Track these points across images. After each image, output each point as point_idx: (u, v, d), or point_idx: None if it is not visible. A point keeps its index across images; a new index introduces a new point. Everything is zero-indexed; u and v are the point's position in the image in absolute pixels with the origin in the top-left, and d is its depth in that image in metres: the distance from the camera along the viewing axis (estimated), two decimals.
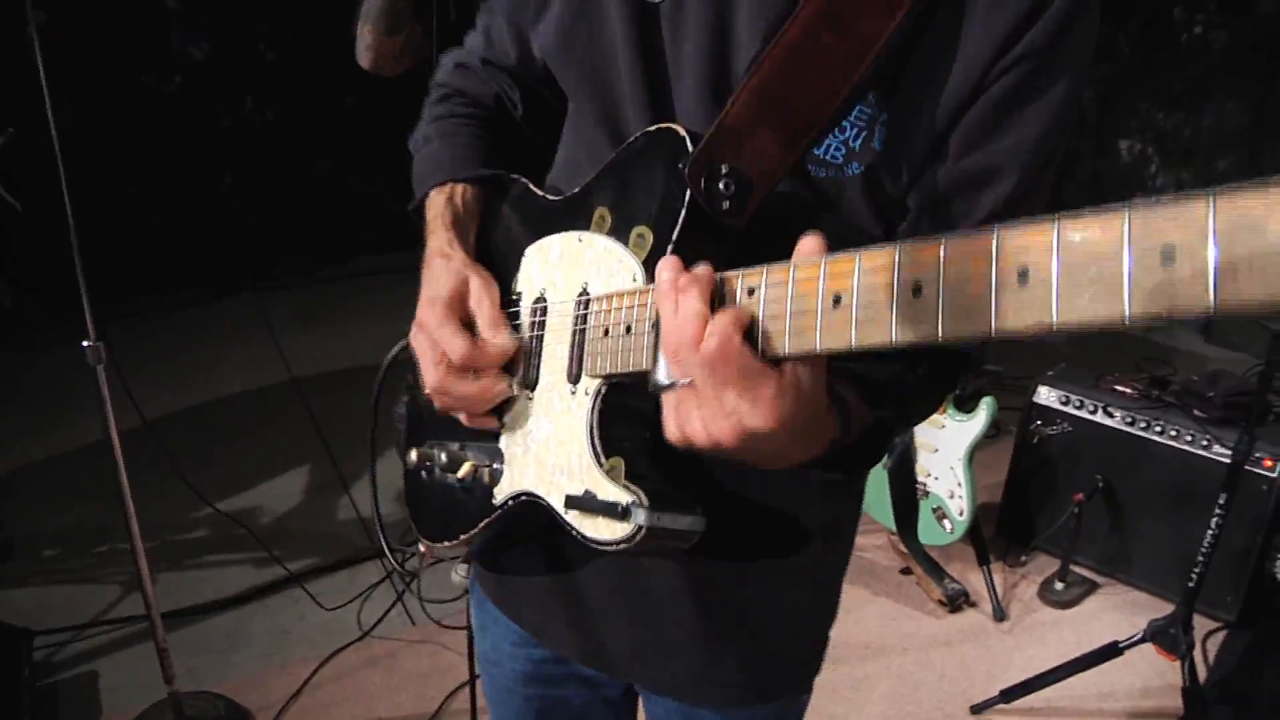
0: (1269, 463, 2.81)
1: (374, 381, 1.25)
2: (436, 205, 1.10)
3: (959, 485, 3.05)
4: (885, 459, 3.01)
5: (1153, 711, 2.72)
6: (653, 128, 0.91)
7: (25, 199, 2.81)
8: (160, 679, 2.49)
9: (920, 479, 3.15)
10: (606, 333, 0.90)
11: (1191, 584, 2.48)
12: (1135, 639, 2.56)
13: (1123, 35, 5.36)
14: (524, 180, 1.10)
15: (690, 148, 0.86)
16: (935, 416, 3.06)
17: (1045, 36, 0.82)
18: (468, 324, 1.01)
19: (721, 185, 0.85)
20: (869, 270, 0.67)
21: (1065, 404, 3.21)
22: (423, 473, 1.15)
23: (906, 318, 0.64)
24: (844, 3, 0.82)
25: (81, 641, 2.96)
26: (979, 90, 0.85)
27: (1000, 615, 3.09)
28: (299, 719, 2.67)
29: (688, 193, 0.86)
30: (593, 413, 0.92)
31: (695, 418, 0.76)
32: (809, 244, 0.72)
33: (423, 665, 2.88)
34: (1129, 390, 3.19)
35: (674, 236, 0.87)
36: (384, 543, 1.46)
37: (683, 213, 0.86)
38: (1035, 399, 3.28)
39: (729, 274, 0.77)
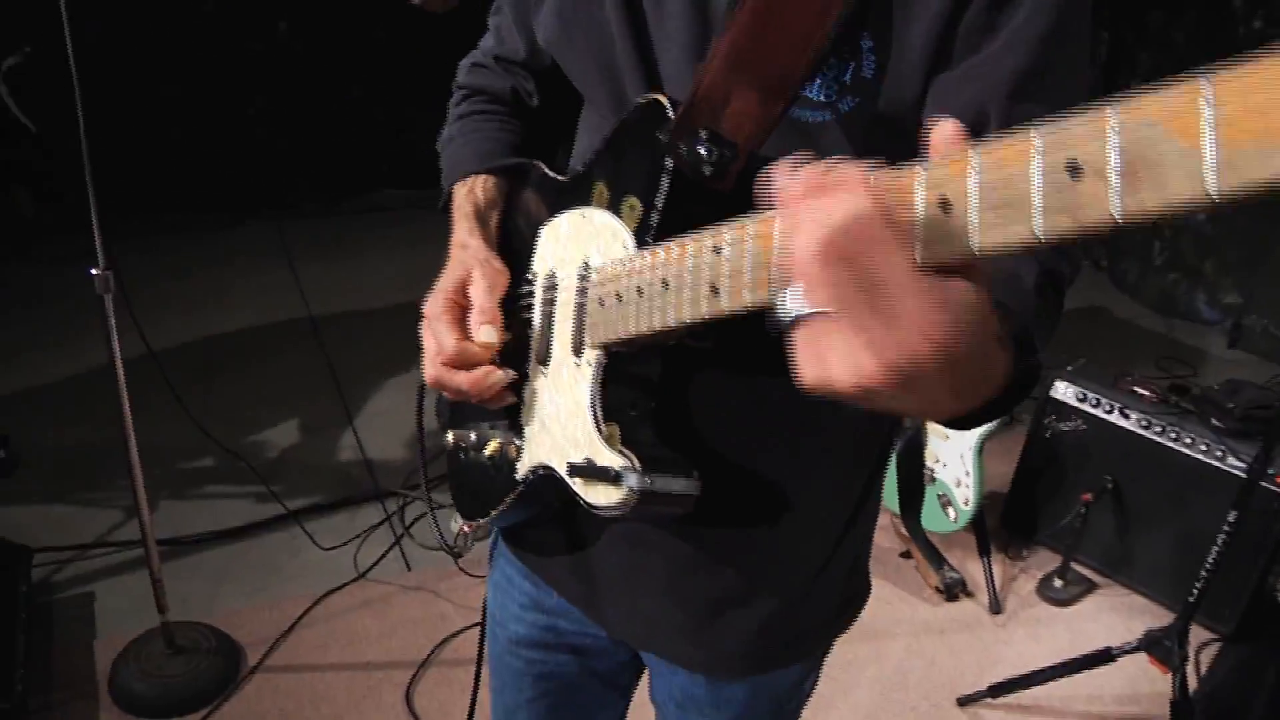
0: None
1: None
2: (459, 199, 1.15)
3: (966, 474, 3.02)
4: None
5: (1139, 718, 2.71)
6: (642, 99, 0.91)
7: (48, 110, 2.78)
8: (154, 605, 2.51)
9: (928, 464, 3.12)
10: (602, 303, 0.92)
11: (1192, 598, 2.45)
12: (1129, 647, 2.54)
13: (1177, 26, 5.21)
14: (540, 165, 1.12)
15: (671, 115, 0.87)
16: None
17: None
18: (467, 314, 1.04)
19: (702, 150, 0.85)
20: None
21: (1082, 401, 3.17)
22: (460, 454, 1.18)
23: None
24: None
25: (80, 562, 2.98)
26: None
27: (996, 608, 3.07)
28: (289, 657, 2.69)
29: (668, 159, 0.87)
30: (594, 381, 0.95)
31: (834, 355, 0.60)
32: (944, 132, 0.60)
33: (416, 612, 2.89)
34: (1147, 393, 3.13)
35: (659, 205, 0.88)
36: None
37: (664, 179, 0.87)
38: (1052, 393, 3.22)
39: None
